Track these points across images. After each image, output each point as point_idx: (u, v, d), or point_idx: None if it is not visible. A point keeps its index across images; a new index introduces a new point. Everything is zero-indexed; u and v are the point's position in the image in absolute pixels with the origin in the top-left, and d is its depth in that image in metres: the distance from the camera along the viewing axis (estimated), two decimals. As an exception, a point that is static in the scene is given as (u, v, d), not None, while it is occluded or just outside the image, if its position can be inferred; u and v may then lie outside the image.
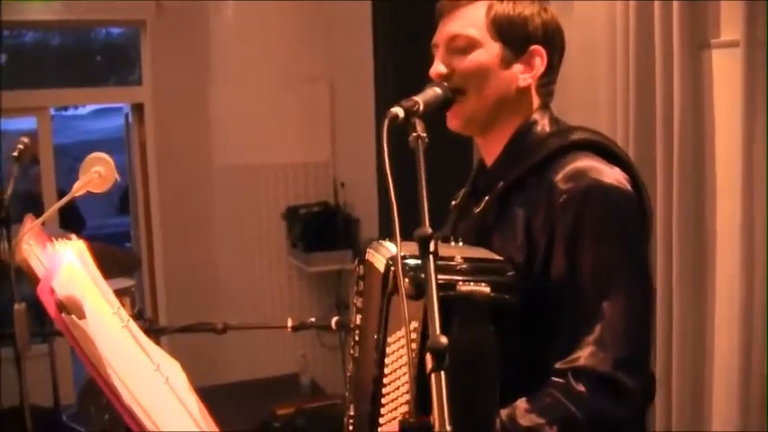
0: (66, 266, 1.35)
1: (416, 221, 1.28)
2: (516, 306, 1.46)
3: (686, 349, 2.58)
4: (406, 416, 1.42)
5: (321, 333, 4.83)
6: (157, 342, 1.92)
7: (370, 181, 4.41)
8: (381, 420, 1.52)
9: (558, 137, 1.62)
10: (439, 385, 1.11)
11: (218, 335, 2.28)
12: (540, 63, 1.62)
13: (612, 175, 1.53)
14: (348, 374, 1.71)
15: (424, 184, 1.32)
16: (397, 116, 1.44)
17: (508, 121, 1.65)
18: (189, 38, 5.40)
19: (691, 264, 2.55)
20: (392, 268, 1.49)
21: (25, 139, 2.44)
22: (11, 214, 2.38)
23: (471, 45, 1.60)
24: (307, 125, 5.25)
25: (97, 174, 1.70)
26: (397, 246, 1.29)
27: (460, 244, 1.59)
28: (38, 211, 1.80)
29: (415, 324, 1.39)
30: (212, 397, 1.77)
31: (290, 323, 2.18)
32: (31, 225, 1.56)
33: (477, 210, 1.65)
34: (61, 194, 5.46)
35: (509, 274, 1.48)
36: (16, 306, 2.07)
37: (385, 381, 1.51)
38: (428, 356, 1.13)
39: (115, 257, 4.02)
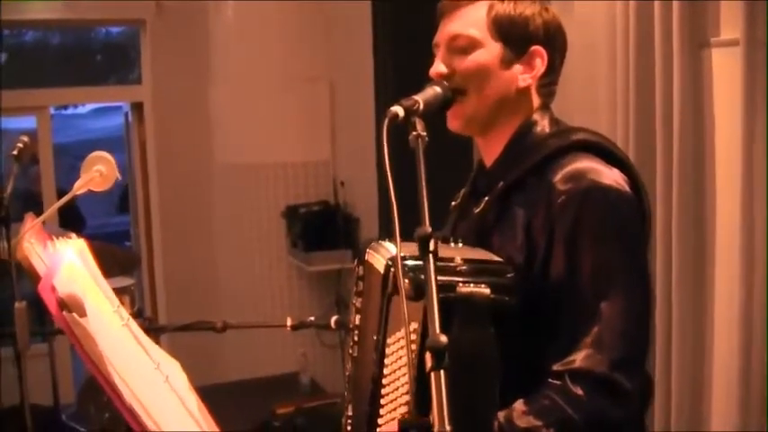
0: (66, 265, 1.36)
1: (416, 221, 1.27)
2: (516, 307, 1.45)
3: (686, 349, 2.58)
4: (406, 416, 1.42)
5: (321, 332, 4.84)
6: (157, 341, 1.92)
7: (370, 180, 4.42)
8: (380, 421, 1.52)
9: (558, 137, 1.61)
10: (438, 384, 1.11)
11: (217, 334, 2.27)
12: (540, 63, 1.62)
13: (611, 177, 1.53)
14: (347, 374, 1.71)
15: (423, 183, 1.31)
16: (397, 115, 1.44)
17: (508, 122, 1.64)
18: (189, 37, 5.40)
19: (690, 264, 2.56)
20: (392, 269, 1.48)
21: (25, 138, 2.44)
22: (10, 213, 2.39)
23: (472, 45, 1.60)
24: (306, 125, 5.25)
25: (98, 172, 1.70)
26: (396, 246, 1.29)
27: (460, 245, 1.59)
28: (37, 210, 1.80)
29: (414, 325, 1.39)
30: (212, 396, 1.77)
31: (289, 322, 2.18)
32: (31, 224, 1.56)
33: (477, 210, 1.65)
34: (61, 193, 5.46)
35: (509, 275, 1.48)
36: (17, 305, 2.07)
37: (384, 381, 1.51)
38: (428, 356, 1.14)
39: (115, 256, 4.02)
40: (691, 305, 2.57)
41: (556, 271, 1.51)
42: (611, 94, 2.82)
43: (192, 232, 5.58)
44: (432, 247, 1.25)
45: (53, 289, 1.26)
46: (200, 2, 5.28)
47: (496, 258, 1.52)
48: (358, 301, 1.67)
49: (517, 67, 1.62)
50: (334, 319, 2.10)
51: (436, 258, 1.25)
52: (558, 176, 1.53)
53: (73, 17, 5.64)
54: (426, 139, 1.40)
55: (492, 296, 1.41)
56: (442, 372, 1.12)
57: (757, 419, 2.35)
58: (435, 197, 1.37)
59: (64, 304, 1.25)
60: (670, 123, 2.55)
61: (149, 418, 1.26)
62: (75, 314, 1.24)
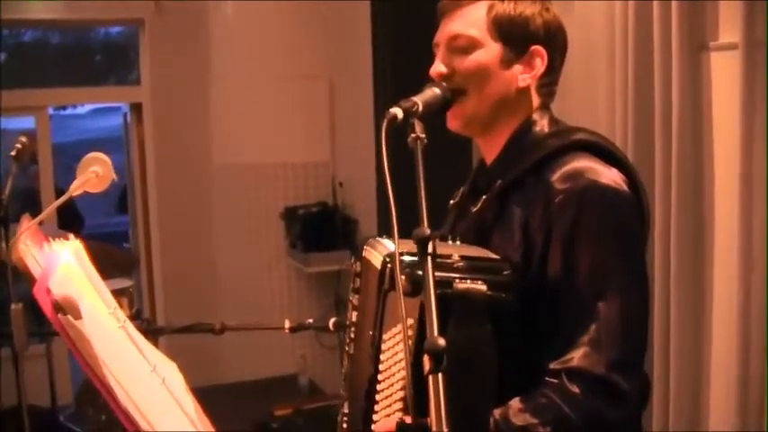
0: (62, 266, 1.35)
1: (415, 222, 1.27)
2: (513, 305, 1.45)
3: (684, 350, 2.58)
4: (401, 413, 1.42)
5: (320, 333, 4.82)
6: (155, 342, 1.91)
7: (368, 181, 4.41)
8: (375, 417, 1.52)
9: (557, 137, 1.62)
10: (436, 387, 1.11)
11: (215, 335, 2.26)
12: (540, 63, 1.62)
13: (609, 176, 1.53)
14: (343, 372, 1.71)
15: (422, 184, 1.31)
16: (395, 117, 1.44)
17: (508, 122, 1.64)
18: (188, 37, 5.39)
19: (689, 265, 2.56)
20: (389, 265, 1.48)
21: (23, 139, 2.44)
22: (9, 213, 2.38)
23: (472, 45, 1.60)
24: (306, 125, 5.25)
25: (94, 173, 1.69)
26: (394, 242, 1.29)
27: (458, 243, 1.59)
28: (36, 209, 1.80)
29: (410, 321, 1.39)
30: (210, 397, 1.77)
31: (287, 324, 2.17)
32: (27, 225, 1.55)
33: (475, 209, 1.65)
34: (60, 193, 5.45)
35: (506, 272, 1.48)
36: (13, 306, 2.06)
37: (379, 377, 1.51)
38: (425, 358, 1.13)
39: (113, 257, 4.02)
40: (689, 305, 2.57)
41: (553, 270, 1.51)
42: (610, 94, 2.82)
43: (190, 233, 5.57)
44: (430, 248, 1.24)
45: (48, 291, 1.25)
46: (200, 1, 5.28)
47: (494, 256, 1.53)
48: (355, 298, 1.67)
49: (517, 67, 1.62)
50: (332, 321, 2.09)
51: (435, 260, 1.25)
52: (556, 176, 1.53)
53: (71, 17, 5.63)
54: (425, 140, 1.40)
55: (489, 293, 1.41)
56: (440, 375, 1.11)
57: (755, 420, 2.35)
58: (434, 197, 1.37)
59: (59, 306, 1.24)
60: (669, 125, 2.55)
61: (145, 421, 1.25)
62: (70, 316, 1.24)
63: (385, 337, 1.51)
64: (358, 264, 1.66)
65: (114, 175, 1.75)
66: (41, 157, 5.79)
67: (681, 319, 2.56)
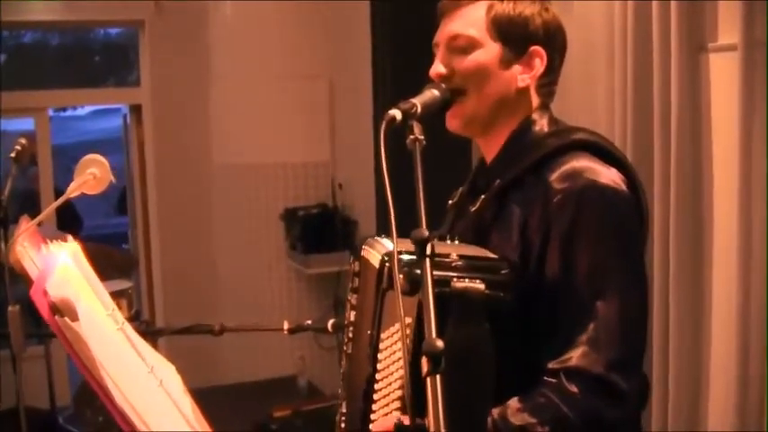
0: (60, 268, 1.35)
1: (414, 223, 1.27)
2: (511, 304, 1.45)
3: (683, 350, 2.58)
4: (399, 413, 1.42)
5: (319, 335, 4.81)
6: (154, 344, 1.91)
7: (368, 183, 4.41)
8: (373, 417, 1.51)
9: (556, 137, 1.62)
10: (434, 389, 1.10)
11: (214, 337, 2.26)
12: (539, 64, 1.62)
13: (608, 176, 1.53)
14: (342, 371, 1.71)
15: (421, 186, 1.31)
16: (394, 118, 1.44)
17: (507, 122, 1.64)
18: (188, 38, 5.39)
19: (688, 265, 2.55)
20: (387, 264, 1.48)
21: (23, 140, 2.44)
22: (9, 215, 2.38)
23: (471, 45, 1.60)
24: (305, 125, 5.25)
25: (92, 175, 1.69)
26: (393, 242, 1.28)
27: (457, 242, 1.59)
28: (36, 211, 1.79)
29: (408, 320, 1.39)
30: (209, 398, 1.77)
31: (286, 325, 2.16)
32: (25, 226, 1.55)
33: (474, 208, 1.65)
34: (59, 195, 5.45)
35: (504, 272, 1.48)
36: (10, 308, 2.06)
37: (377, 377, 1.51)
38: (424, 360, 1.13)
39: (112, 258, 4.01)
40: (688, 305, 2.57)
41: (552, 269, 1.50)
42: (609, 95, 2.82)
43: (190, 234, 5.57)
44: (429, 250, 1.24)
45: (45, 293, 1.25)
46: (199, 2, 5.28)
47: (492, 255, 1.53)
48: (353, 298, 1.67)
49: (516, 68, 1.62)
50: (331, 322, 2.09)
51: (433, 261, 1.25)
52: (555, 175, 1.53)
53: (71, 18, 5.63)
54: (424, 142, 1.40)
55: (487, 292, 1.41)
56: (438, 377, 1.11)
57: (755, 420, 2.35)
58: (433, 197, 1.37)
59: (56, 308, 1.24)
60: (668, 125, 2.55)
61: (142, 422, 1.25)
62: (67, 318, 1.23)
63: (383, 336, 1.51)
64: (356, 263, 1.66)
65: (112, 177, 1.75)
66: (41, 159, 5.79)
67: (680, 320, 2.56)
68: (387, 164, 1.34)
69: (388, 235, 1.32)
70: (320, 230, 4.99)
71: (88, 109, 13.46)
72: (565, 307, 1.49)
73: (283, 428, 4.13)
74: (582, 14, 2.92)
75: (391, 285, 1.44)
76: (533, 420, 1.42)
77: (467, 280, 1.41)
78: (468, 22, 1.61)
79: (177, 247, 5.63)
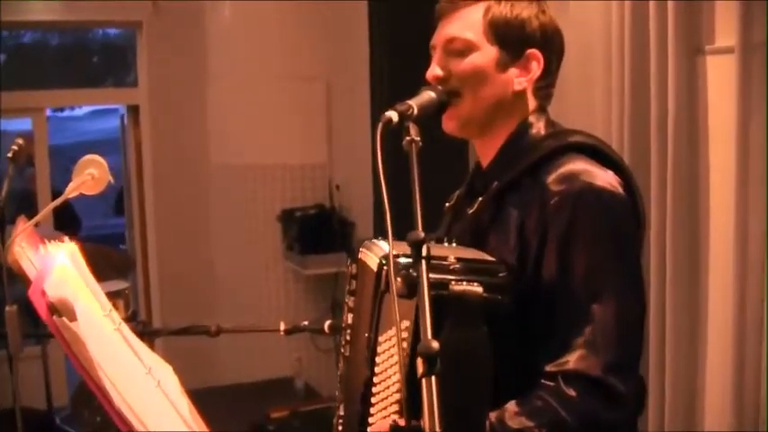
0: (57, 268, 1.35)
1: (410, 225, 1.27)
2: (509, 307, 1.45)
3: (680, 351, 2.58)
4: (396, 416, 1.42)
5: (316, 336, 4.82)
6: (151, 344, 1.91)
7: (365, 184, 4.41)
8: (371, 420, 1.52)
9: (553, 139, 1.62)
10: (430, 390, 1.11)
11: (211, 337, 2.26)
12: (536, 67, 1.62)
13: (605, 179, 1.53)
14: (339, 374, 1.71)
15: (417, 187, 1.32)
16: (390, 120, 1.45)
17: (504, 124, 1.64)
18: (185, 38, 5.39)
19: (685, 267, 2.56)
20: (385, 267, 1.48)
21: (20, 141, 2.44)
22: (6, 215, 2.37)
23: (468, 48, 1.60)
24: (303, 126, 5.25)
25: (90, 176, 1.69)
26: (389, 244, 1.28)
27: (454, 245, 1.59)
28: (33, 212, 1.80)
29: (406, 323, 1.39)
30: (206, 399, 1.77)
31: (282, 326, 2.17)
32: (23, 227, 1.55)
33: (471, 211, 1.65)
34: (57, 196, 5.44)
35: (501, 275, 1.48)
36: (7, 308, 2.06)
37: (375, 380, 1.51)
38: (419, 361, 1.13)
39: (109, 259, 4.01)
40: (685, 308, 2.57)
41: (548, 272, 1.51)
42: (606, 97, 2.82)
43: (187, 235, 5.57)
44: (425, 252, 1.25)
45: (43, 293, 1.25)
46: (197, 2, 5.28)
47: (490, 258, 1.53)
48: (351, 300, 1.67)
49: (513, 71, 1.62)
50: (327, 323, 2.09)
51: (429, 263, 1.25)
52: (552, 178, 1.53)
53: (69, 18, 5.63)
54: (420, 143, 1.40)
55: (485, 295, 1.41)
56: (433, 378, 1.11)
57: (751, 420, 2.36)
58: (431, 199, 1.37)
59: (54, 308, 1.24)
60: (665, 128, 2.55)
61: (140, 423, 1.25)
62: (65, 318, 1.24)
63: (381, 339, 1.51)
64: (354, 266, 1.66)
65: (110, 178, 1.75)
66: (38, 159, 5.78)
67: (676, 322, 2.57)
68: (383, 165, 1.34)
69: (385, 237, 1.32)
70: (317, 231, 4.99)
71: (86, 109, 13.45)
72: (562, 309, 1.49)
73: (280, 429, 4.12)
74: (578, 16, 2.93)
75: (389, 288, 1.45)
76: (531, 424, 1.42)
77: (464, 283, 1.41)
78: (466, 24, 1.61)
79: (174, 248, 5.63)
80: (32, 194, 5.83)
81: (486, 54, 1.60)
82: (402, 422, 1.29)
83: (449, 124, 1.65)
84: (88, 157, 1.77)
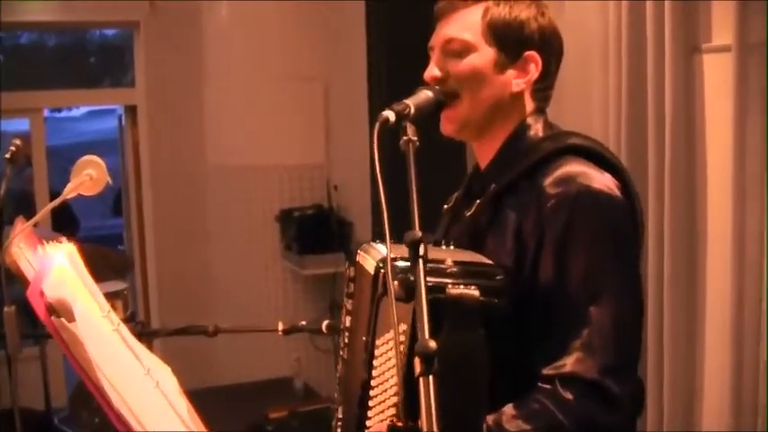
0: (56, 269, 1.35)
1: (408, 225, 1.27)
2: (506, 310, 1.45)
3: (677, 352, 2.58)
4: (394, 419, 1.42)
5: (315, 336, 4.82)
6: (150, 345, 1.91)
7: (363, 184, 4.41)
8: (368, 423, 1.52)
9: (551, 141, 1.62)
10: (427, 390, 1.11)
11: (209, 338, 2.26)
12: (534, 69, 1.62)
13: (602, 181, 1.53)
14: (338, 376, 1.71)
15: (414, 187, 1.32)
16: (387, 120, 1.45)
17: (502, 126, 1.64)
18: (183, 38, 5.39)
19: (682, 269, 2.56)
20: (382, 270, 1.48)
21: (17, 141, 2.43)
22: (4, 216, 2.37)
23: (466, 49, 1.60)
24: (301, 127, 5.25)
25: (88, 176, 1.69)
26: (386, 244, 1.29)
27: (451, 247, 1.59)
28: (32, 212, 1.79)
29: (404, 326, 1.39)
30: (205, 399, 1.77)
31: (280, 327, 2.17)
32: (21, 227, 1.55)
33: (469, 213, 1.65)
34: (54, 196, 5.43)
35: (498, 278, 1.48)
36: (6, 309, 2.05)
37: (373, 383, 1.51)
38: (417, 361, 1.13)
39: (108, 259, 4.01)
40: (682, 309, 2.57)
41: (545, 275, 1.51)
42: (603, 97, 2.82)
43: (185, 235, 5.57)
44: (421, 251, 1.25)
45: (42, 294, 1.25)
46: (194, 2, 5.28)
47: (487, 261, 1.52)
48: (349, 303, 1.67)
49: (511, 72, 1.62)
50: (325, 323, 2.09)
51: (426, 263, 1.25)
52: (549, 180, 1.53)
53: (66, 19, 5.62)
54: (417, 143, 1.40)
55: (481, 298, 1.41)
56: (431, 378, 1.11)
57: (749, 421, 2.36)
58: (429, 200, 1.37)
59: (52, 309, 1.24)
60: (662, 127, 2.56)
61: (138, 423, 1.25)
62: (63, 319, 1.24)
63: (378, 342, 1.51)
64: (352, 269, 1.66)
65: (108, 178, 1.75)
66: (36, 160, 5.77)
67: (674, 323, 2.57)
68: (381, 165, 1.34)
69: (383, 239, 1.32)
70: (315, 231, 4.99)
71: (83, 110, 13.42)
72: (559, 312, 1.49)
73: (279, 430, 4.13)
74: (575, 16, 2.93)
75: (386, 292, 1.45)
76: (528, 427, 1.42)
77: (461, 286, 1.41)
78: (464, 25, 1.61)
79: (172, 248, 5.63)
80: (31, 195, 5.83)
81: (484, 55, 1.60)
82: (400, 423, 1.29)
83: (447, 127, 1.65)
84: (86, 157, 1.76)
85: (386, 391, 1.49)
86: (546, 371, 1.46)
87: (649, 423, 2.63)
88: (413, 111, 1.49)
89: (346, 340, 1.67)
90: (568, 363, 1.45)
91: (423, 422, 1.10)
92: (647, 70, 2.60)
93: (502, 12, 1.61)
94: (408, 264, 1.27)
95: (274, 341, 4.69)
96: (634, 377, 1.53)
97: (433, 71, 1.63)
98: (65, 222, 6.04)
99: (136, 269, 5.90)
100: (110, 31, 10.17)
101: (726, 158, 2.36)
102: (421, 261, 1.24)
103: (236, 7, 5.12)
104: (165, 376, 1.50)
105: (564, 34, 1.69)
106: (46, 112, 6.43)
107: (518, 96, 1.63)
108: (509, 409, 1.44)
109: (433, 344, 1.13)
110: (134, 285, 5.88)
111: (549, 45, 1.64)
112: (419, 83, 1.62)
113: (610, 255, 1.50)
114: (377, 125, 1.43)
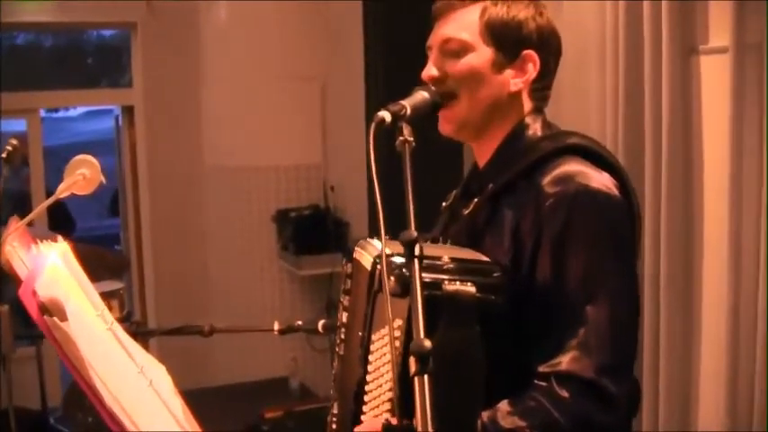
0: (49, 268, 1.34)
1: (404, 225, 1.27)
2: (503, 307, 1.45)
3: (674, 353, 2.58)
4: (389, 415, 1.42)
5: (311, 336, 4.82)
6: (145, 345, 1.90)
7: (360, 184, 4.41)
8: (363, 419, 1.51)
9: (549, 141, 1.61)
10: (422, 389, 1.10)
11: (205, 337, 2.25)
12: (532, 68, 1.62)
13: (600, 180, 1.53)
14: (333, 373, 1.71)
15: (410, 187, 1.32)
16: (383, 120, 1.45)
17: (500, 126, 1.64)
18: (180, 39, 5.38)
19: (679, 268, 2.56)
20: (379, 266, 1.48)
21: (14, 141, 2.43)
22: (2, 216, 2.37)
23: (464, 49, 1.60)
24: (298, 127, 5.25)
25: (82, 176, 1.68)
26: (382, 243, 1.28)
27: (449, 244, 1.59)
28: (28, 212, 1.79)
29: (399, 322, 1.39)
30: (201, 399, 1.76)
31: (276, 326, 2.16)
32: (14, 226, 1.55)
33: (467, 212, 1.65)
34: (51, 196, 5.42)
35: (495, 275, 1.48)
36: (-1, 308, 2.06)
37: (368, 378, 1.51)
38: (412, 360, 1.13)
39: (104, 259, 4.00)
40: (679, 308, 2.57)
41: (542, 273, 1.50)
42: (600, 97, 2.83)
43: (182, 235, 5.56)
44: (417, 251, 1.24)
45: (34, 293, 1.25)
46: (192, 2, 5.27)
47: (484, 258, 1.52)
48: (346, 299, 1.67)
49: (509, 72, 1.61)
50: (321, 323, 2.08)
51: (422, 262, 1.25)
52: (547, 179, 1.53)
53: (64, 19, 5.62)
54: (413, 144, 1.40)
55: (478, 295, 1.41)
56: (425, 377, 1.11)
57: (744, 422, 2.36)
58: (427, 199, 1.37)
59: (45, 308, 1.24)
60: (659, 128, 2.56)
61: (131, 422, 1.24)
62: (55, 318, 1.23)
63: (374, 338, 1.51)
64: (349, 265, 1.66)
65: (102, 178, 1.74)
66: (32, 160, 5.77)
67: (670, 324, 2.57)
68: (377, 165, 1.34)
69: (379, 234, 1.32)
70: (312, 232, 4.99)
71: (80, 110, 13.43)
72: (556, 311, 1.49)
73: (275, 430, 4.12)
74: (572, 17, 2.93)
75: (382, 287, 1.45)
76: (523, 424, 1.42)
77: (458, 282, 1.41)
78: (462, 25, 1.61)
79: (169, 249, 5.63)
80: (29, 196, 5.82)
81: (482, 55, 1.60)
82: (394, 421, 1.29)
83: (445, 127, 1.65)
84: (80, 157, 1.76)
85: (381, 386, 1.48)
86: (542, 368, 1.46)
87: (645, 424, 2.63)
88: (409, 111, 1.49)
89: (342, 336, 1.67)
90: (564, 361, 1.44)
91: (417, 422, 1.09)
92: (644, 71, 2.60)
93: (500, 11, 1.61)
94: (405, 260, 1.27)
95: (270, 341, 4.69)
96: (630, 377, 1.53)
97: (430, 71, 1.62)
98: (61, 222, 6.05)
99: (133, 269, 5.90)
100: (107, 32, 10.18)
101: (723, 159, 2.36)
102: (416, 261, 1.24)
103: (234, 8, 5.12)
104: (160, 375, 1.49)
105: (561, 35, 1.68)
106: (43, 113, 6.43)
107: (516, 96, 1.63)
108: (504, 405, 1.44)
109: (427, 343, 1.13)
110: (131, 285, 5.88)
111: (548, 44, 1.64)
112: (416, 83, 1.62)
113: (608, 254, 1.50)
114: (372, 125, 1.43)
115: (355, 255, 1.62)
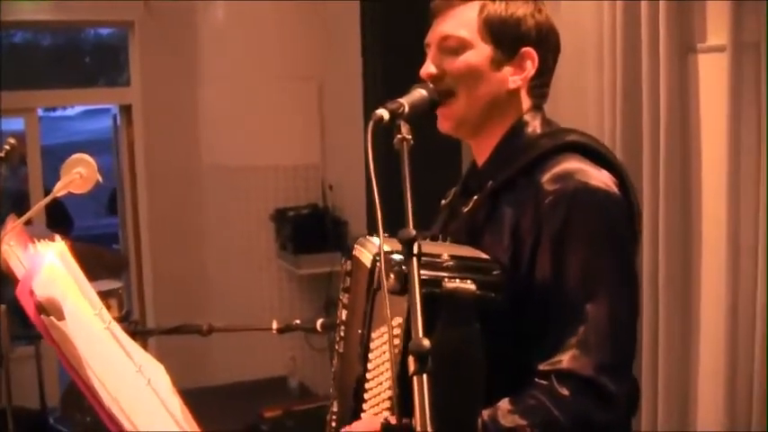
0: (46, 267, 1.34)
1: (402, 223, 1.27)
2: (502, 305, 1.45)
3: (673, 352, 2.58)
4: (389, 412, 1.42)
5: (310, 335, 4.81)
6: (144, 344, 1.90)
7: (358, 183, 4.41)
8: (363, 416, 1.51)
9: (549, 138, 1.61)
10: (421, 388, 1.10)
11: (203, 337, 2.25)
12: (531, 65, 1.62)
13: (600, 178, 1.53)
14: (333, 371, 1.71)
15: (408, 185, 1.31)
16: (381, 118, 1.45)
17: (499, 123, 1.64)
18: (178, 38, 5.38)
19: (677, 266, 2.56)
20: (378, 263, 1.48)
21: (12, 140, 2.43)
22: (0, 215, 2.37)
23: (462, 46, 1.60)
24: (296, 126, 5.25)
25: (78, 174, 1.68)
26: (380, 241, 1.28)
27: (448, 242, 1.59)
28: (27, 211, 1.79)
29: (399, 320, 1.39)
30: (200, 399, 1.76)
31: (275, 325, 2.16)
32: (11, 225, 1.54)
33: (466, 209, 1.64)
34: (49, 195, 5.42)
35: (495, 272, 1.48)
36: (-3, 308, 2.05)
37: (368, 376, 1.51)
38: (410, 359, 1.13)
39: (102, 259, 3.99)
40: (677, 308, 2.57)
41: (542, 271, 1.50)
42: (598, 96, 2.83)
43: (180, 235, 5.56)
44: (416, 250, 1.24)
45: (31, 292, 1.24)
46: (189, 2, 5.27)
47: (483, 256, 1.52)
48: (345, 297, 1.67)
49: (507, 69, 1.61)
50: (320, 321, 2.08)
51: (420, 261, 1.25)
52: (547, 177, 1.53)
53: (61, 18, 5.62)
54: (411, 142, 1.40)
55: (477, 292, 1.41)
56: (424, 376, 1.11)
57: (743, 421, 2.36)
58: (426, 197, 1.37)
59: (42, 307, 1.23)
60: (657, 126, 2.56)
61: (129, 421, 1.24)
62: (53, 317, 1.23)
63: (373, 335, 1.51)
64: (349, 263, 1.66)
65: (99, 177, 1.74)
66: (30, 159, 5.76)
67: (669, 323, 2.57)
68: (375, 164, 1.34)
69: (378, 232, 1.32)
70: (310, 231, 4.99)
71: (78, 109, 13.43)
72: (555, 309, 1.49)
73: (274, 429, 4.11)
74: (570, 16, 2.93)
75: (381, 285, 1.45)
76: (523, 422, 1.42)
77: (457, 280, 1.41)
78: (460, 22, 1.61)
79: (167, 248, 5.62)
80: (26, 195, 5.82)
81: (481, 52, 1.60)
82: (394, 420, 1.29)
83: (444, 124, 1.64)
84: (76, 155, 1.76)
85: (380, 384, 1.48)
86: (542, 366, 1.46)
87: (644, 423, 2.63)
88: (407, 109, 1.49)
89: (342, 334, 1.67)
90: (564, 359, 1.44)
91: (416, 421, 1.09)
92: (642, 70, 2.60)
93: (498, 8, 1.60)
94: (404, 257, 1.26)
95: (269, 340, 4.70)
96: (629, 375, 1.53)
97: (429, 68, 1.62)
98: (59, 221, 6.05)
99: (131, 268, 5.89)
100: (105, 31, 10.17)
101: (721, 157, 2.36)
102: (415, 259, 1.24)
103: (231, 7, 5.12)
104: (158, 374, 1.49)
105: (560, 30, 1.68)
106: (40, 112, 6.42)
107: (515, 93, 1.63)
108: (504, 403, 1.44)
109: (426, 342, 1.13)
110: (129, 284, 5.87)
111: (546, 41, 1.64)
112: (414, 82, 1.61)
113: (607, 252, 1.50)
114: (370, 123, 1.43)
115: (355, 252, 1.62)
